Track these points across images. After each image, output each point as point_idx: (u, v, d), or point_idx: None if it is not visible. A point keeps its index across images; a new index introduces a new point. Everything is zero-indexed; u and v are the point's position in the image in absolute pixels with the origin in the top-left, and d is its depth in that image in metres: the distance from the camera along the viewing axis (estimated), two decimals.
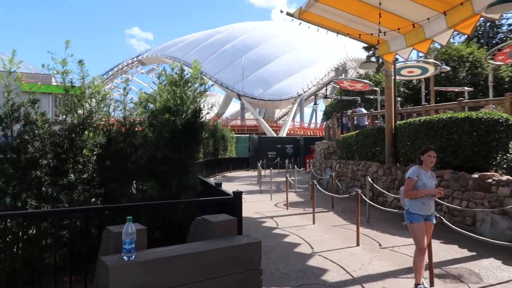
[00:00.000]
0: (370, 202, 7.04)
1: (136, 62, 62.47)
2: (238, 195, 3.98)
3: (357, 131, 11.95)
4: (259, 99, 48.11)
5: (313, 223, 7.65)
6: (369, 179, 8.37)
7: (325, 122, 18.61)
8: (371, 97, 18.16)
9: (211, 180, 15.05)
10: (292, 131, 50.38)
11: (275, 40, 53.95)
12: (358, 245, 5.98)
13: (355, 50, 56.82)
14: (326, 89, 15.42)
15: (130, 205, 4.24)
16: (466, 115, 7.44)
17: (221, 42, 55.46)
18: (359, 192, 6.21)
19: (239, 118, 55.35)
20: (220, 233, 2.43)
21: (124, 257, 1.95)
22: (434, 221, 4.26)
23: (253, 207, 9.84)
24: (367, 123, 15.41)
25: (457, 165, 7.56)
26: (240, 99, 51.01)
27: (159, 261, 1.98)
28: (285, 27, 60.72)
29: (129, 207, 3.99)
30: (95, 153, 5.20)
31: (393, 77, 10.05)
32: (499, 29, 26.91)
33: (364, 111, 16.02)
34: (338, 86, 16.58)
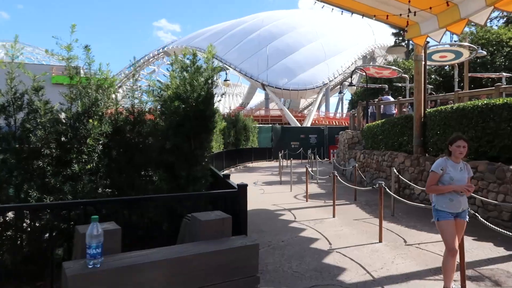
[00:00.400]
0: (395, 195, 6.53)
1: (162, 54, 62.95)
2: (242, 188, 3.63)
3: (383, 120, 11.32)
4: (283, 89, 47.40)
5: (333, 217, 7.23)
6: (395, 170, 7.84)
7: (349, 112, 17.93)
8: (400, 85, 17.27)
9: (228, 171, 14.86)
10: (316, 121, 49.52)
11: (301, 29, 52.82)
12: (380, 241, 5.54)
13: (384, 37, 54.85)
14: (352, 77, 14.72)
15: (100, 200, 3.98)
16: (505, 101, 6.76)
17: (247, 32, 54.90)
18: (383, 184, 5.74)
19: (263, 108, 54.94)
20: (211, 233, 2.11)
21: (89, 264, 1.66)
22: (467, 219, 3.77)
23: (271, 198, 9.50)
24: (394, 111, 14.67)
25: (493, 156, 6.92)
26: (264, 89, 50.50)
27: (131, 269, 1.68)
28: (311, 16, 59.40)
29: (100, 203, 3.73)
30: (100, 142, 5.00)
31: (423, 62, 9.37)
32: None
33: (392, 99, 15.26)
34: (364, 74, 15.82)
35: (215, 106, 6.42)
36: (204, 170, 5.52)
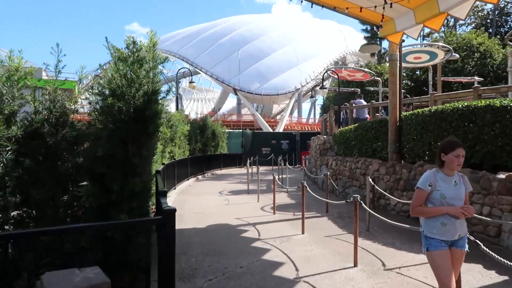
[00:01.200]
0: (370, 211, 5.75)
1: None
2: (169, 216, 2.66)
3: (356, 124, 10.67)
4: (255, 94, 46.67)
5: (302, 233, 6.38)
6: (370, 179, 7.10)
7: (321, 117, 17.33)
8: (372, 89, 16.83)
9: (194, 179, 13.74)
10: (289, 127, 49.09)
11: (273, 33, 52.40)
12: (356, 265, 4.72)
13: (356, 43, 55.37)
14: (324, 81, 14.06)
15: None
16: (488, 103, 6.15)
17: (219, 35, 53.92)
18: (358, 198, 4.93)
19: (236, 114, 54.06)
20: None
21: None
22: (466, 248, 2.98)
23: (236, 210, 8.57)
24: (367, 116, 14.15)
25: (475, 163, 6.30)
26: (236, 94, 49.63)
27: None
28: (283, 20, 59.28)
29: None
30: (8, 149, 3.95)
31: (398, 62, 8.77)
32: (508, 17, 25.45)
33: (364, 102, 14.73)
34: (336, 76, 15.25)
35: (163, 105, 5.47)
36: (145, 182, 4.53)
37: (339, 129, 12.12)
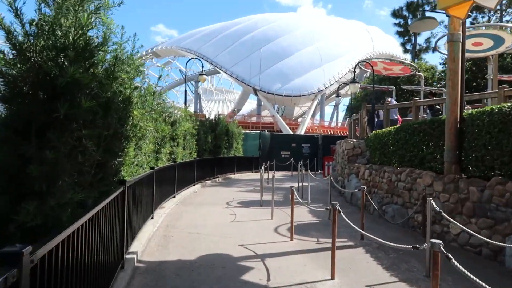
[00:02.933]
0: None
1: (151, 54, 60.02)
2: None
3: (397, 126, 8.56)
4: (276, 95, 44.59)
5: (332, 277, 4.37)
6: (432, 202, 4.99)
7: (348, 119, 15.19)
8: (409, 87, 14.51)
9: (199, 185, 11.65)
10: (310, 130, 46.93)
11: (296, 32, 50.23)
12: None
13: (383, 45, 52.61)
14: (355, 71, 11.94)
15: None
16: None
17: (240, 33, 52.22)
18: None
19: (255, 115, 52.31)
20: None
21: None
22: None
23: (241, 232, 6.63)
24: (397, 117, 11.95)
25: None
26: (256, 94, 47.74)
27: None
28: (307, 19, 57.12)
29: None
30: None
31: (461, 44, 6.64)
32: None
33: (395, 102, 12.59)
34: (368, 73, 13.20)
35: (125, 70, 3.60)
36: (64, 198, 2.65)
37: (373, 131, 10.01)
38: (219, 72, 56.84)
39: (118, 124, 3.49)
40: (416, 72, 11.92)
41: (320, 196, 11.26)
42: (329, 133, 43.84)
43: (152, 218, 6.95)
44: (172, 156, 10.38)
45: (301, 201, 6.78)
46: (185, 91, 14.42)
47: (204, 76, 15.53)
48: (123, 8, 3.33)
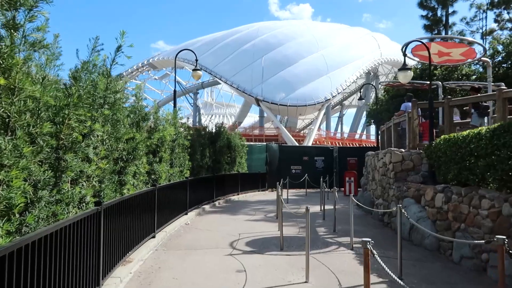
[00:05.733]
0: None
1: (147, 66, 57.51)
2: None
3: (497, 124, 5.51)
4: (280, 104, 41.76)
5: None
6: None
7: (383, 125, 12.18)
8: (459, 84, 11.50)
9: (193, 213, 8.20)
10: (318, 142, 44.01)
11: (300, 39, 47.67)
12: None
13: (391, 51, 49.96)
14: (405, 56, 8.88)
15: None
16: None
17: (241, 42, 49.70)
18: None
19: (258, 127, 49.48)
20: None
21: None
22: None
23: None
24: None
25: None
26: (258, 105, 44.95)
27: None
28: (312, 26, 54.79)
29: None
30: None
31: None
32: None
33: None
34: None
35: None
36: None
37: (443, 136, 6.96)
38: (219, 83, 54.26)
39: None
40: (482, 58, 8.99)
41: (357, 227, 8.15)
42: (337, 144, 40.87)
43: None
44: (152, 177, 7.36)
45: (338, 240, 3.74)
46: (175, 84, 11.45)
47: (199, 72, 12.60)
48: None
